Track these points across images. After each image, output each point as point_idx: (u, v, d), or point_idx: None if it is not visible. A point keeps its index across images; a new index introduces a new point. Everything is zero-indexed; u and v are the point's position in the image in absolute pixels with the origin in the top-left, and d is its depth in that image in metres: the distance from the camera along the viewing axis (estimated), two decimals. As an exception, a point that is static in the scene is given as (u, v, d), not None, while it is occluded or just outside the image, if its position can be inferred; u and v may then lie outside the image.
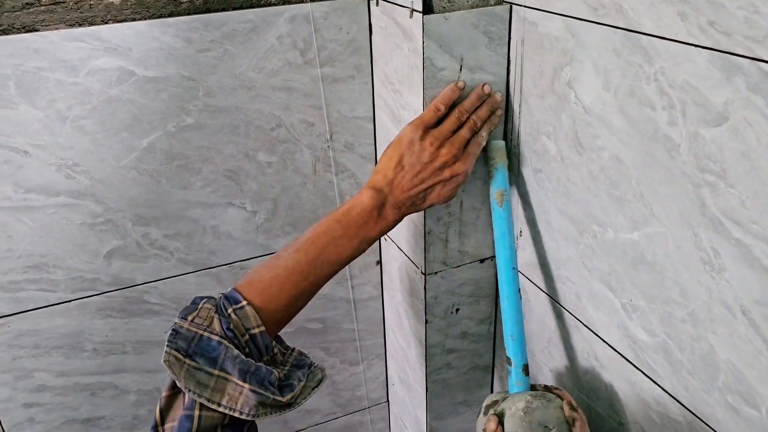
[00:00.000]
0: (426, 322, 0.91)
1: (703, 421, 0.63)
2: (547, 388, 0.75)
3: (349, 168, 0.96)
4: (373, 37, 0.88)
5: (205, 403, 0.64)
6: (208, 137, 0.85)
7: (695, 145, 0.56)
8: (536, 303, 0.86)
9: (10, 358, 0.89)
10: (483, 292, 0.93)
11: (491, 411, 0.74)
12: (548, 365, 0.88)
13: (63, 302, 0.88)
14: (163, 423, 0.66)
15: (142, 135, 0.82)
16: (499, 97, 0.79)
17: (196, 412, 0.64)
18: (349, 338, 1.09)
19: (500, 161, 0.80)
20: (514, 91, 0.79)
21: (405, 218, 0.89)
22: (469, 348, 0.97)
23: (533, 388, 0.77)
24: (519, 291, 0.78)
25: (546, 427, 0.70)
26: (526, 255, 0.85)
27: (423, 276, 0.88)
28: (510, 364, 0.77)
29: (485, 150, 0.82)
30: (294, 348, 0.74)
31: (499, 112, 0.80)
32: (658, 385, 0.68)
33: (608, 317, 0.73)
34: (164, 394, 0.67)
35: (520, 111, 0.79)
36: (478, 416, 0.78)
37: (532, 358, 0.90)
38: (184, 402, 0.65)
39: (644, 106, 0.60)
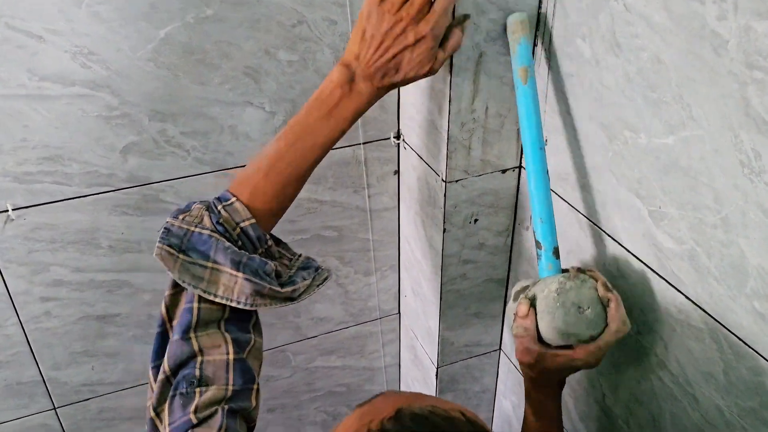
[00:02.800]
0: (444, 231, 0.90)
1: (726, 328, 0.62)
2: (580, 270, 0.73)
3: (371, 72, 0.92)
4: (402, -71, 0.83)
5: (202, 294, 0.65)
6: (228, 31, 0.82)
7: (745, 40, 0.53)
8: (558, 213, 0.85)
9: (27, 251, 0.89)
10: (503, 203, 0.92)
11: (522, 296, 0.72)
12: (565, 278, 0.87)
13: (78, 197, 0.87)
14: (171, 321, 0.68)
15: (159, 25, 0.79)
16: None
17: (195, 305, 0.65)
18: (363, 248, 1.09)
19: (522, 35, 0.74)
20: (549, -9, 0.75)
21: (427, 124, 0.87)
22: (485, 259, 0.97)
23: (565, 271, 0.74)
24: (547, 172, 0.75)
25: (580, 307, 0.68)
26: (550, 165, 0.83)
27: (444, 183, 0.86)
28: (540, 247, 0.74)
29: (504, 27, 0.75)
30: (301, 254, 0.75)
31: None
32: (681, 293, 0.67)
33: (634, 226, 0.72)
34: (167, 293, 0.68)
35: (554, 13, 0.76)
36: (506, 304, 0.76)
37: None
38: (185, 298, 0.67)
39: (692, 0, 0.57)
